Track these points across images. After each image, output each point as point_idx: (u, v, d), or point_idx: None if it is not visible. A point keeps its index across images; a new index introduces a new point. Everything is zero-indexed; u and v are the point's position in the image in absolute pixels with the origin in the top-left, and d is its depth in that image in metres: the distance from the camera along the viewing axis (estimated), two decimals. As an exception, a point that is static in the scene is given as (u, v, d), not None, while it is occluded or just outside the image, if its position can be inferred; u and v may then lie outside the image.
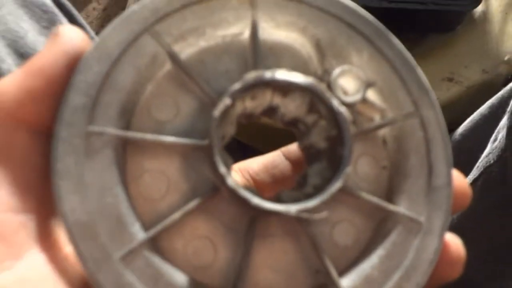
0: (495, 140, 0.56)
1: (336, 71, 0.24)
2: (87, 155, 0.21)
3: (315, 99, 0.24)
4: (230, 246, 0.23)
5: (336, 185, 0.23)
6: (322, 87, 0.24)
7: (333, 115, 0.24)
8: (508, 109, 0.52)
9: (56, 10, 0.45)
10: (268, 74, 0.24)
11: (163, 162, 0.23)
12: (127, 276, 0.21)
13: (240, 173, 0.31)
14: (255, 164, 0.31)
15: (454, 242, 0.25)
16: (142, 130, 0.23)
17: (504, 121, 0.53)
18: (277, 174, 0.31)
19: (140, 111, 0.23)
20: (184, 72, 0.23)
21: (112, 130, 0.22)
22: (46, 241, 0.21)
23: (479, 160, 0.58)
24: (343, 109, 0.24)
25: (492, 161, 0.56)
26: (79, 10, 1.10)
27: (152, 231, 0.22)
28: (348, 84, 0.24)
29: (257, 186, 0.30)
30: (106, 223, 0.21)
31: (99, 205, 0.21)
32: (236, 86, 0.23)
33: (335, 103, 0.24)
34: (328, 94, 0.24)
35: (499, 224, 0.55)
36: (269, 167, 0.31)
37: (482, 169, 0.57)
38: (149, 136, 0.23)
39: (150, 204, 0.23)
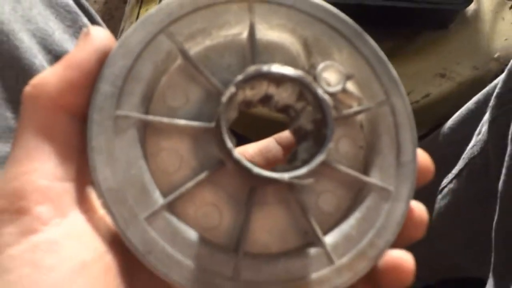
0: (479, 133, 0.59)
1: (321, 66, 0.28)
2: (115, 135, 0.25)
3: (303, 89, 0.28)
4: (233, 212, 0.27)
5: (321, 157, 0.27)
6: (309, 79, 0.28)
7: (318, 101, 0.28)
8: (490, 104, 0.54)
9: (78, 10, 0.49)
10: (265, 68, 0.27)
11: (176, 142, 0.27)
12: (151, 233, 0.25)
13: None
14: (251, 149, 0.35)
15: (418, 207, 0.29)
16: (158, 114, 0.27)
17: (487, 116, 0.56)
18: (270, 157, 0.34)
19: (157, 99, 0.27)
20: (193, 66, 0.27)
21: (136, 114, 0.26)
22: (84, 204, 0.25)
23: (465, 152, 0.61)
24: (326, 97, 0.28)
25: (476, 153, 0.59)
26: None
27: (170, 197, 0.26)
28: (330, 76, 0.28)
29: None
30: (132, 190, 0.25)
31: (126, 175, 0.25)
32: (240, 77, 0.27)
33: (320, 91, 0.28)
34: (314, 84, 0.28)
35: (482, 212, 0.58)
36: (263, 151, 0.34)
37: (467, 160, 0.60)
38: (165, 120, 0.27)
39: (166, 176, 0.27)
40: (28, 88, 0.25)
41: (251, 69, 0.27)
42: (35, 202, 0.24)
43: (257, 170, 0.26)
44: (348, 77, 0.28)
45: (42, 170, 0.24)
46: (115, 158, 0.25)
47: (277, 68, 0.28)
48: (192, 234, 0.26)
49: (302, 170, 0.27)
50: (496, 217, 0.53)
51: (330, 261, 0.27)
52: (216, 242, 0.27)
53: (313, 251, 0.27)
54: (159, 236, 0.25)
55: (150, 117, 0.27)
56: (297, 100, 0.29)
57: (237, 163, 0.26)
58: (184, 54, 0.27)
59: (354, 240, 0.28)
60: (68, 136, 0.25)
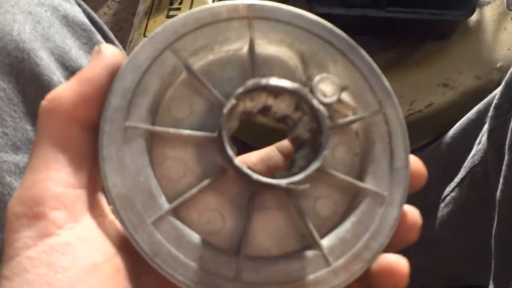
0: (479, 142, 0.60)
1: (317, 78, 0.30)
2: (125, 144, 0.27)
3: (299, 100, 0.30)
4: (235, 217, 0.29)
5: (317, 164, 0.29)
6: (305, 90, 0.29)
7: (314, 112, 0.29)
8: (489, 114, 0.55)
9: (92, 28, 0.51)
10: (264, 81, 0.29)
11: (181, 151, 0.29)
12: (157, 236, 0.27)
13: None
14: (253, 157, 0.36)
15: (411, 212, 0.31)
16: (164, 125, 0.29)
17: (486, 125, 0.57)
18: (271, 165, 0.36)
19: (162, 111, 0.29)
20: (196, 79, 0.29)
21: (143, 125, 0.28)
22: (95, 210, 0.28)
23: (466, 161, 0.62)
24: (321, 107, 0.29)
25: (476, 162, 0.60)
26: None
27: (175, 203, 0.28)
28: (326, 88, 0.30)
29: None
30: (140, 196, 0.27)
31: (135, 182, 0.27)
32: (240, 90, 0.29)
33: (315, 102, 0.29)
34: (310, 96, 0.29)
35: (483, 220, 0.59)
36: (264, 159, 0.36)
37: (468, 169, 0.61)
38: (171, 130, 0.29)
39: (172, 183, 0.29)
40: (44, 102, 0.27)
41: (251, 82, 0.29)
42: (51, 207, 0.26)
43: (256, 176, 0.28)
44: (343, 88, 0.30)
45: (57, 178, 0.26)
46: (124, 166, 0.27)
47: (275, 81, 0.29)
48: (196, 238, 0.28)
49: (299, 177, 0.28)
50: (494, 225, 0.54)
51: (327, 263, 0.29)
52: (218, 245, 0.28)
53: (310, 253, 0.29)
54: (165, 239, 0.27)
55: (157, 128, 0.28)
56: (294, 111, 0.31)
57: (237, 170, 0.28)
58: (188, 68, 0.29)
59: (350, 243, 0.29)
60: (81, 146, 0.27)
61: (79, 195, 0.27)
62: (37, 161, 0.27)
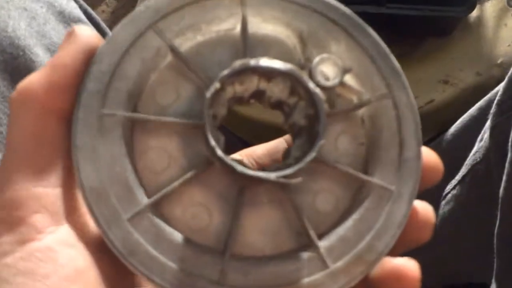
0: (481, 139, 0.59)
1: (316, 59, 0.27)
2: (100, 133, 0.25)
3: (294, 83, 0.27)
4: (223, 212, 0.26)
5: (311, 155, 0.26)
6: (300, 72, 0.27)
7: (310, 96, 0.27)
8: (491, 111, 0.55)
9: (90, 25, 0.50)
10: (252, 62, 0.26)
11: (165, 140, 0.26)
12: (134, 234, 0.25)
13: (246, 157, 0.34)
14: (260, 150, 0.35)
15: (424, 208, 0.28)
16: (147, 112, 0.26)
17: (488, 122, 0.57)
18: (278, 158, 0.33)
19: (146, 97, 0.27)
20: (183, 62, 0.27)
21: (121, 112, 0.25)
22: (77, 209, 0.26)
23: (468, 158, 0.62)
24: (318, 91, 0.27)
25: (478, 159, 0.59)
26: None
27: (155, 196, 0.25)
28: (327, 70, 0.27)
29: (260, 168, 0.32)
30: (116, 189, 0.25)
31: (110, 173, 0.25)
32: (225, 72, 0.26)
33: (311, 85, 0.26)
34: (305, 78, 0.27)
35: (485, 218, 0.58)
36: (271, 152, 0.34)
37: (469, 166, 0.61)
38: (152, 117, 0.26)
39: (154, 176, 0.26)
40: (14, 95, 0.25)
41: (238, 63, 0.26)
42: (30, 210, 0.24)
43: (240, 168, 0.25)
44: (346, 70, 0.27)
45: (34, 177, 0.24)
46: (99, 156, 0.25)
47: (265, 62, 0.26)
48: (177, 236, 0.25)
49: (291, 169, 0.25)
50: (497, 223, 0.54)
51: (324, 265, 0.26)
52: (204, 244, 0.26)
53: (307, 254, 0.26)
54: (142, 237, 0.25)
55: (136, 115, 0.26)
56: (289, 95, 0.28)
57: (220, 160, 0.25)
58: (174, 50, 0.27)
59: (351, 243, 0.26)
60: (57, 140, 0.25)
61: (59, 195, 0.25)
62: (11, 159, 0.25)
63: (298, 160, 0.26)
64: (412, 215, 0.27)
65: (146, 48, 0.26)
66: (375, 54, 0.28)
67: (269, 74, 0.27)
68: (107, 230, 0.25)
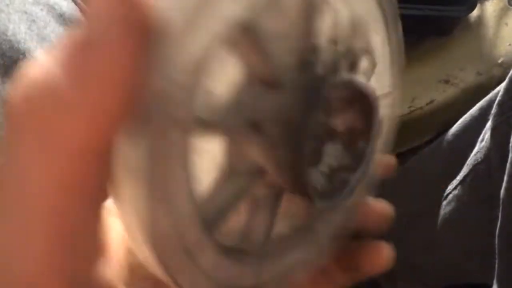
0: (482, 140, 0.59)
1: (360, 52, 0.23)
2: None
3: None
4: (259, 216, 0.21)
5: (354, 184, 0.21)
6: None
7: (364, 99, 0.21)
8: (492, 111, 0.55)
9: None
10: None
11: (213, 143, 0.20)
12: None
13: None
14: None
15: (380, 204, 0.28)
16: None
17: (489, 123, 0.56)
18: None
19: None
20: (249, 35, 0.19)
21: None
22: None
23: (469, 158, 0.62)
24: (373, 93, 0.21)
25: (479, 160, 0.59)
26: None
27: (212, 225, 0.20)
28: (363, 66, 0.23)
29: None
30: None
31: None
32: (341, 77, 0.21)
33: (367, 87, 0.21)
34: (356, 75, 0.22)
35: (486, 218, 0.58)
36: None
37: (471, 166, 0.61)
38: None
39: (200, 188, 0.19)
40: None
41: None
42: None
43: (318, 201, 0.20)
44: (374, 68, 0.23)
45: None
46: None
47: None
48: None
49: (340, 198, 0.21)
50: (498, 223, 0.54)
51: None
52: (243, 249, 0.21)
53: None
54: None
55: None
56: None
57: (306, 191, 0.20)
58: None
59: None
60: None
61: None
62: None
63: (333, 170, 0.21)
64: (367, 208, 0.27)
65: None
66: (396, 55, 0.24)
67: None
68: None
